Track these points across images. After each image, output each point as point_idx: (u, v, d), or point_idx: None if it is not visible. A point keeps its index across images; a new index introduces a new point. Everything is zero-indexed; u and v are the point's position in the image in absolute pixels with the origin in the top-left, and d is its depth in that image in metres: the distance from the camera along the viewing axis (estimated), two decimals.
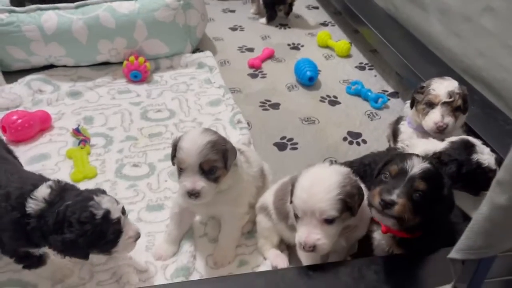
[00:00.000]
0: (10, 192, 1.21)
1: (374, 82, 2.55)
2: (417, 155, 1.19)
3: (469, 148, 1.39)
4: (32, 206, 1.19)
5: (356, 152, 2.01)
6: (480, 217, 0.83)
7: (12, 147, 1.62)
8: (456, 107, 1.57)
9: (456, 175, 1.35)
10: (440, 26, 2.18)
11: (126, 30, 2.37)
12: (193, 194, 1.27)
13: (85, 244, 1.17)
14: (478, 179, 1.36)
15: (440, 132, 1.57)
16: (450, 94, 1.56)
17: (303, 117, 2.25)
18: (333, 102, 2.38)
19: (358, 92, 2.42)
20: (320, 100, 2.39)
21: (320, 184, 1.15)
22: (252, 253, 1.52)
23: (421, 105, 1.63)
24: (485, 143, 1.47)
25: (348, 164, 1.59)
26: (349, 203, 1.15)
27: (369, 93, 2.37)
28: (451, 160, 1.37)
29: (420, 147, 1.47)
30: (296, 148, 2.05)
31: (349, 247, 1.37)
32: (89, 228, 1.16)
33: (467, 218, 1.39)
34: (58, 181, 1.27)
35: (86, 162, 1.85)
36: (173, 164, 1.34)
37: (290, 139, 2.10)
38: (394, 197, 1.10)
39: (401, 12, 2.55)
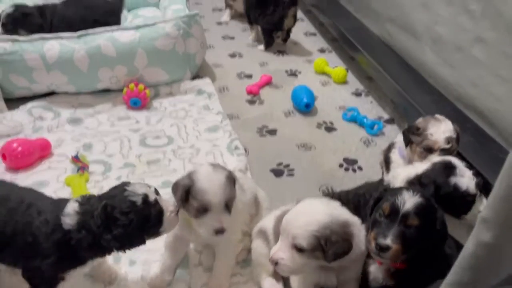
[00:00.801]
0: (47, 218, 1.26)
1: (370, 108, 2.58)
2: (407, 189, 1.20)
3: (449, 170, 1.38)
4: (68, 222, 1.24)
5: (352, 179, 2.04)
6: (466, 253, 0.84)
7: (11, 174, 1.65)
8: (452, 151, 1.60)
9: (435, 197, 1.33)
10: (433, 55, 2.23)
11: (127, 59, 2.43)
12: (220, 231, 1.32)
13: (136, 231, 1.22)
14: (456, 203, 1.36)
15: None
16: (448, 140, 1.59)
17: (300, 143, 2.28)
18: (330, 128, 2.41)
19: (354, 118, 2.45)
20: (317, 126, 2.42)
21: (306, 215, 1.22)
22: (247, 283, 1.53)
23: (418, 148, 1.64)
24: (474, 169, 1.46)
25: (344, 194, 1.61)
26: (323, 246, 1.18)
27: (365, 120, 2.40)
28: (429, 182, 1.37)
29: (402, 175, 1.47)
30: (292, 175, 2.07)
31: (346, 286, 1.37)
32: (133, 216, 1.21)
33: (460, 247, 1.40)
34: (82, 195, 1.33)
35: (84, 189, 1.87)
36: (183, 206, 1.34)
37: (287, 165, 2.12)
38: (388, 241, 1.13)
39: (395, 40, 2.61)
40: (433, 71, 2.25)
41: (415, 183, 1.39)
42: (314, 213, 1.21)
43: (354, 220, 1.28)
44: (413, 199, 1.15)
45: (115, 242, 1.23)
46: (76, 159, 2.01)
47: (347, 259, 1.23)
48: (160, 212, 1.27)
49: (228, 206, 1.34)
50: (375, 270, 1.29)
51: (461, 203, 1.36)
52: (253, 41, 3.36)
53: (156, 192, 1.31)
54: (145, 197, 1.24)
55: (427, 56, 2.29)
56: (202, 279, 1.52)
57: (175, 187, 1.34)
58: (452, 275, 0.89)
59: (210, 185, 1.30)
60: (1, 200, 1.30)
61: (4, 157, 1.94)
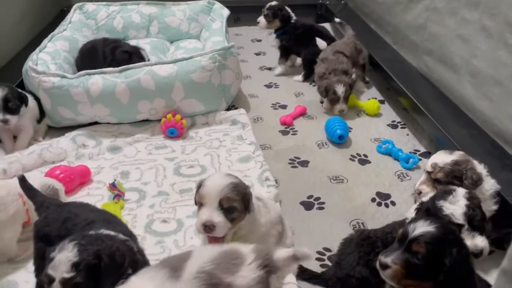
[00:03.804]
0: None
1: (405, 141, 2.53)
2: (426, 218, 1.20)
3: (442, 195, 1.42)
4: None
5: (384, 214, 1.99)
6: None
7: None
8: (442, 180, 1.66)
9: None
10: (472, 88, 2.17)
11: (165, 92, 2.53)
12: (207, 226, 1.36)
13: None
14: None
15: None
16: (433, 166, 1.69)
17: (332, 175, 2.26)
18: (363, 161, 2.38)
19: (389, 151, 2.41)
20: (350, 159, 2.40)
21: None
22: None
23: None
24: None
25: (373, 232, 1.60)
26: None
27: (400, 153, 2.36)
28: (424, 203, 1.45)
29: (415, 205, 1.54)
30: (322, 208, 2.05)
31: None
32: None
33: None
34: None
35: (118, 217, 1.94)
36: (195, 202, 1.46)
37: (317, 198, 2.10)
38: (388, 260, 1.17)
39: (433, 72, 2.57)
40: (472, 104, 2.19)
41: (419, 208, 1.45)
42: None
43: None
44: (424, 228, 1.16)
45: None
46: (113, 186, 2.10)
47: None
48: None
49: (224, 207, 1.37)
50: None
51: None
52: (278, 75, 3.37)
53: None
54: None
55: (465, 89, 2.24)
56: None
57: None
58: None
59: (211, 182, 1.41)
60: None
61: None
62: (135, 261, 1.34)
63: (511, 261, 0.76)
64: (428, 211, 1.41)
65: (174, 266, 1.21)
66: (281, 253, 1.23)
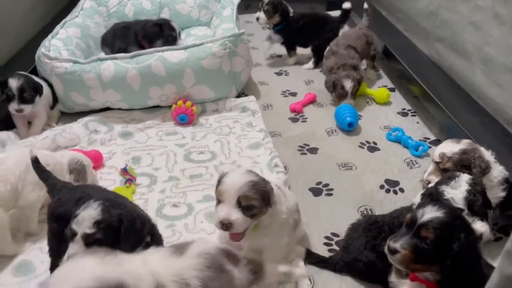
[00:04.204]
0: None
1: (416, 129, 2.52)
2: (435, 204, 1.21)
3: (446, 180, 1.45)
4: None
5: (392, 201, 2.00)
6: (491, 285, 0.82)
7: None
8: (449, 169, 1.68)
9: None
10: (483, 76, 2.16)
11: (176, 78, 2.55)
12: (225, 224, 1.36)
13: None
14: None
15: None
16: (440, 156, 1.71)
17: (341, 162, 2.27)
18: (372, 148, 2.38)
19: (399, 139, 2.41)
20: (359, 146, 2.41)
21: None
22: None
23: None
24: None
25: (380, 217, 1.62)
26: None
27: (410, 141, 2.35)
28: (428, 188, 1.48)
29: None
30: (331, 194, 2.06)
31: None
32: None
33: None
34: None
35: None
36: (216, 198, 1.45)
37: (326, 185, 2.12)
38: (397, 245, 1.18)
39: (444, 60, 2.55)
40: (483, 92, 2.17)
41: (424, 194, 1.48)
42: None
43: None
44: (433, 213, 1.17)
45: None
46: (124, 171, 2.13)
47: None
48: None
49: (242, 205, 1.36)
50: None
51: None
52: (293, 64, 3.36)
53: None
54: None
55: (476, 77, 2.22)
56: None
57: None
58: None
59: (230, 179, 1.38)
60: None
61: None
62: (154, 232, 1.39)
63: None
64: (431, 195, 1.43)
65: (179, 246, 1.28)
66: (269, 268, 1.32)
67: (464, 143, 1.68)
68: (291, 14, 3.24)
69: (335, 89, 2.71)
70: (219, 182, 1.42)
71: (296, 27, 3.22)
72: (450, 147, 1.68)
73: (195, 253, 1.23)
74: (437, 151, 1.72)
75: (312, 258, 1.67)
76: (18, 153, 1.77)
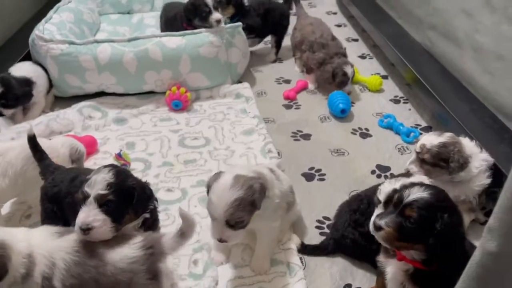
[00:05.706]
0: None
1: (407, 115, 2.56)
2: (421, 185, 1.24)
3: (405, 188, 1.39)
4: None
5: None
6: (473, 262, 0.86)
7: None
8: (427, 161, 1.73)
9: None
10: (474, 63, 2.18)
11: (172, 63, 2.56)
12: (222, 241, 1.40)
13: None
14: None
15: None
16: (421, 147, 1.74)
17: (333, 148, 2.30)
18: (365, 134, 2.42)
19: (390, 125, 2.44)
20: (352, 132, 2.44)
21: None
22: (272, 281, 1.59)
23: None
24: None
25: (363, 192, 1.73)
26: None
27: (401, 127, 2.39)
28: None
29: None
30: (323, 179, 2.10)
31: None
32: None
33: None
34: None
35: None
36: None
37: (318, 170, 2.15)
38: (382, 222, 1.22)
39: (436, 47, 2.57)
40: (473, 79, 2.20)
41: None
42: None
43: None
44: (419, 194, 1.20)
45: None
46: (119, 156, 2.15)
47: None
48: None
49: (230, 224, 1.36)
50: (394, 269, 1.31)
51: None
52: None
53: None
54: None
55: (467, 64, 2.25)
56: (228, 276, 1.60)
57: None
58: (460, 285, 0.91)
59: (216, 199, 1.36)
60: None
61: None
62: (155, 205, 1.45)
63: (496, 219, 0.80)
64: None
65: (66, 230, 1.33)
66: (167, 235, 1.30)
67: (446, 137, 1.70)
68: (246, 3, 3.06)
69: (336, 77, 2.68)
70: (208, 188, 1.42)
71: (258, 14, 3.05)
72: (431, 139, 1.71)
73: (73, 237, 1.28)
74: (419, 142, 1.75)
75: (306, 250, 1.71)
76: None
